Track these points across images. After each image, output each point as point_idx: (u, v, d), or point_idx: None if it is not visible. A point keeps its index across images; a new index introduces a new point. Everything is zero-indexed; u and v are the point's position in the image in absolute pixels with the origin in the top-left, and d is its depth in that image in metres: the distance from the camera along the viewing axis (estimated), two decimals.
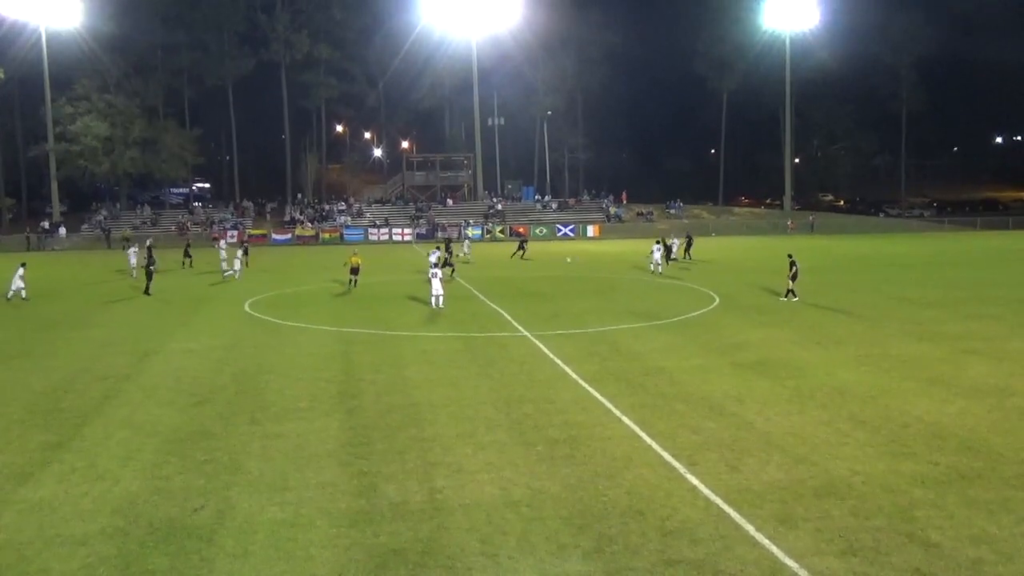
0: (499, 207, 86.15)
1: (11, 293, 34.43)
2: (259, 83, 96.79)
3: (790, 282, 31.84)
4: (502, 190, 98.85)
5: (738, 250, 51.61)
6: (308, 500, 12.03)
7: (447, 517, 11.38)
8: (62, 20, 75.43)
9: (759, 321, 27.30)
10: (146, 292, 35.76)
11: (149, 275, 36.70)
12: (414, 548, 10.47)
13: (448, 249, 45.01)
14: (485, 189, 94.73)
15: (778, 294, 32.81)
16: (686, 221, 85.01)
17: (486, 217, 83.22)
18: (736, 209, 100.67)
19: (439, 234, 77.34)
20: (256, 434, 15.26)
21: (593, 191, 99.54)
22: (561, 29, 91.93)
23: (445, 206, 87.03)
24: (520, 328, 26.25)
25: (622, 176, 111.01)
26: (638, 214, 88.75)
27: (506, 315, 28.99)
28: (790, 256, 32.57)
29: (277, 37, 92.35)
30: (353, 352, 23.01)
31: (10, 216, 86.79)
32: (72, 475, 13.25)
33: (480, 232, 79.17)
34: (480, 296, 34.48)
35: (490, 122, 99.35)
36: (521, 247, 54.76)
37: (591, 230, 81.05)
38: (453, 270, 42.24)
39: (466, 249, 55.31)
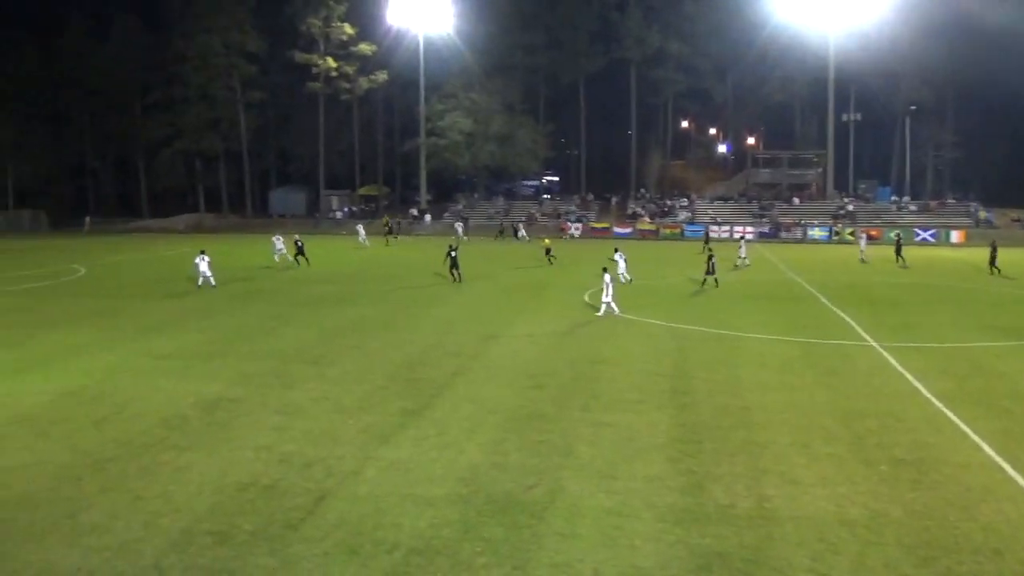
0: (849, 207, 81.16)
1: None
2: (608, 80, 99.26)
3: None
4: (854, 189, 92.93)
5: None
6: (635, 491, 12.19)
7: (776, 527, 10.98)
8: (437, 26, 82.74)
9: None
10: (458, 279, 37.84)
11: (453, 263, 38.18)
12: (739, 554, 10.22)
13: (710, 258, 36.11)
14: (835, 188, 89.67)
15: None
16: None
17: (834, 218, 78.80)
18: None
19: (783, 234, 74.67)
20: (587, 421, 15.73)
21: (960, 193, 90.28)
22: (933, 16, 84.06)
23: (790, 204, 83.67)
24: (866, 337, 24.57)
25: (993, 176, 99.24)
26: (1013, 220, 79.06)
27: (850, 322, 27.25)
28: None
29: (629, 34, 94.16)
30: (686, 348, 22.92)
31: (386, 203, 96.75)
32: (424, 441, 14.55)
33: (828, 234, 75.23)
34: (823, 300, 32.74)
35: (844, 118, 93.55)
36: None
37: (955, 235, 73.41)
38: (716, 279, 35.91)
39: (742, 253, 46.31)
